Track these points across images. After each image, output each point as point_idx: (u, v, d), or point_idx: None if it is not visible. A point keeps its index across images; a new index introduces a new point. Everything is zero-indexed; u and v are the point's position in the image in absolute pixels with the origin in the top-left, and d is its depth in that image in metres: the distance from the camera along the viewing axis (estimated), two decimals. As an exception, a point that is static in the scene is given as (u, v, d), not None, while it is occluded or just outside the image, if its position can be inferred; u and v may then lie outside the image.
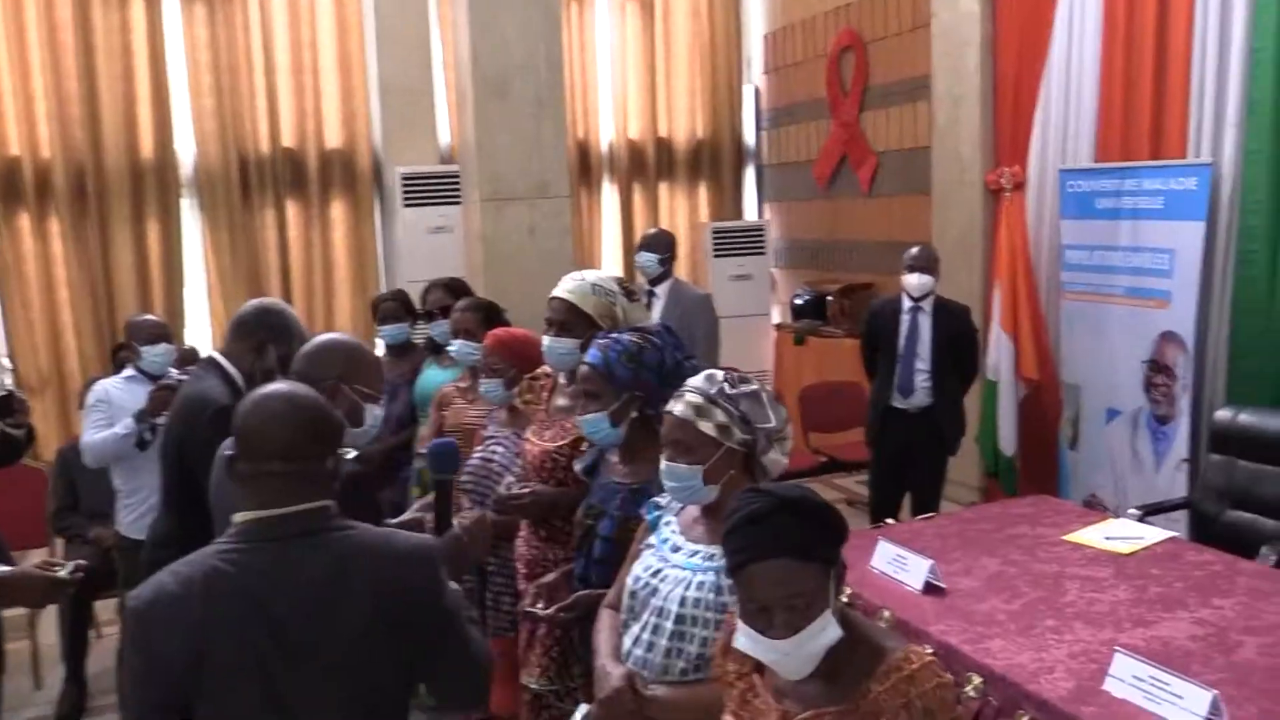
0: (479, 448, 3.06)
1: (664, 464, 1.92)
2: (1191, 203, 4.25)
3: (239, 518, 1.64)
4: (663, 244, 4.74)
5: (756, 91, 8.44)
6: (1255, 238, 4.09)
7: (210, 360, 2.71)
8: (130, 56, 6.57)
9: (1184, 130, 4.40)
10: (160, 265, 6.76)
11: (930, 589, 2.72)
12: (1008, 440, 5.09)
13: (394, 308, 4.31)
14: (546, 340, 2.73)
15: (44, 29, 6.36)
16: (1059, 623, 2.51)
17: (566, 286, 2.74)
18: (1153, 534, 3.11)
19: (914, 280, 4.47)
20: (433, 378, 3.95)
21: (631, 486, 2.26)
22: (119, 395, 3.73)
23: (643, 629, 1.92)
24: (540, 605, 2.34)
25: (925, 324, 4.49)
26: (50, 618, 4.17)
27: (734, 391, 1.92)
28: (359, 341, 2.37)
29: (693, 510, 2.00)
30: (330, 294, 7.20)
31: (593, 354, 2.31)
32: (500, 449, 3.00)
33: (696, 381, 1.95)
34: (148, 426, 3.58)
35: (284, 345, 2.58)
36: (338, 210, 7.19)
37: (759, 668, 1.62)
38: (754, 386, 1.95)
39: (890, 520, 3.82)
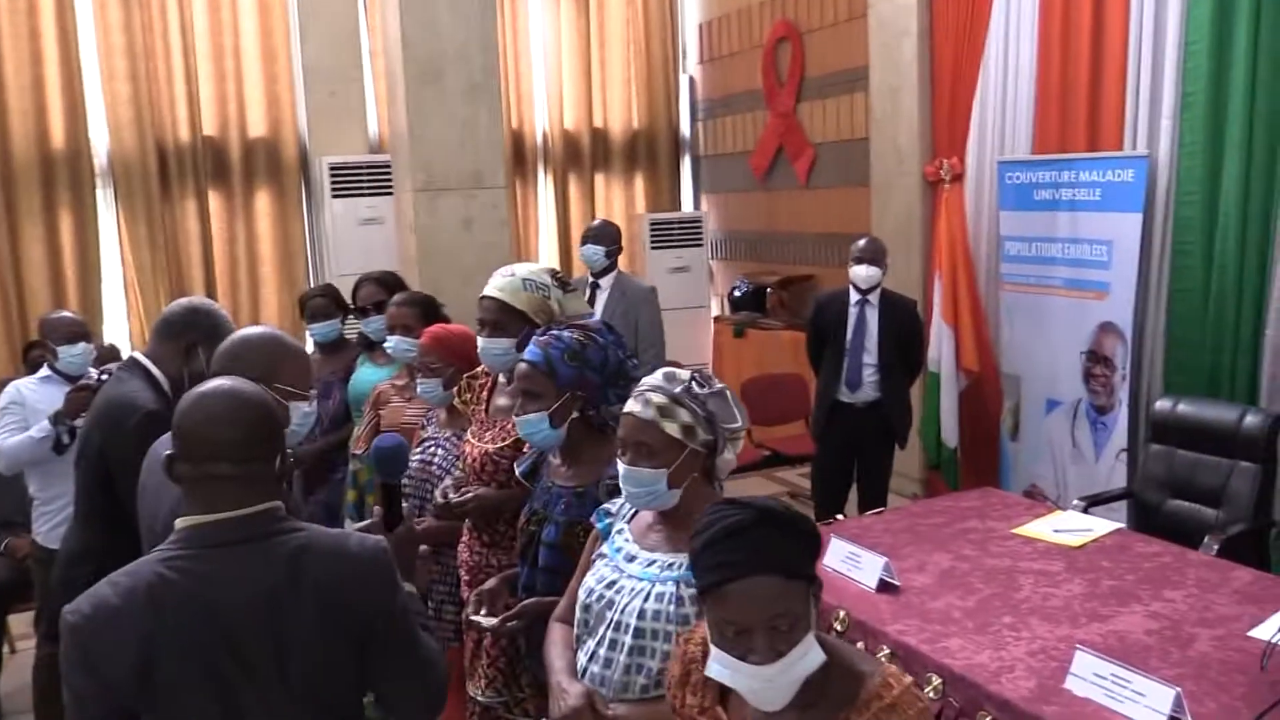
0: (418, 449, 2.96)
1: (623, 468, 1.82)
2: (1129, 194, 4.29)
3: (181, 523, 1.56)
4: (608, 236, 4.63)
5: (692, 82, 8.38)
6: (1191, 229, 4.14)
7: (133, 361, 2.54)
8: (38, 40, 6.25)
9: (1120, 122, 4.43)
10: (74, 260, 6.46)
11: (885, 587, 2.69)
12: (950, 431, 5.10)
13: (324, 304, 4.14)
14: (481, 341, 2.62)
15: (-58, 11, 6.03)
16: (1016, 619, 2.49)
17: (496, 284, 2.63)
18: (1100, 526, 3.12)
19: (862, 272, 4.43)
20: (367, 376, 3.81)
21: (575, 490, 2.17)
22: (33, 397, 3.57)
23: (599, 644, 1.81)
24: (484, 613, 2.24)
25: (872, 317, 4.46)
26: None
27: (701, 391, 1.82)
28: (281, 334, 2.20)
29: (646, 516, 1.91)
30: (256, 289, 6.96)
31: (532, 351, 2.20)
32: (440, 451, 2.91)
33: (656, 380, 1.84)
34: (65, 429, 3.41)
35: (214, 348, 2.41)
36: (263, 201, 6.95)
37: (722, 700, 1.51)
38: (720, 385, 1.86)
39: (839, 515, 3.79)
